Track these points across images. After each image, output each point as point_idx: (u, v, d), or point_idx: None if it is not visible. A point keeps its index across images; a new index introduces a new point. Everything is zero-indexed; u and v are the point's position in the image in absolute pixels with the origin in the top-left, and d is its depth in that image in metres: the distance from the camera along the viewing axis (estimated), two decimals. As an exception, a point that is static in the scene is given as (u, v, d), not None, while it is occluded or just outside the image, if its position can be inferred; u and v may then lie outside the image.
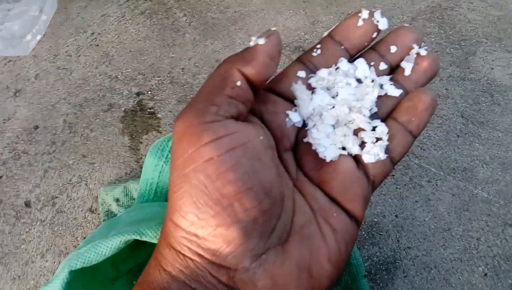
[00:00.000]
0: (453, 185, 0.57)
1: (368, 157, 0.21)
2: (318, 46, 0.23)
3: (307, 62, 0.23)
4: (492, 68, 0.66)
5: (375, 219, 0.56)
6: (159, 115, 0.66)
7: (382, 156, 0.21)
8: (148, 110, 0.66)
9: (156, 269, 0.19)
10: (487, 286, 0.51)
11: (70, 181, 0.62)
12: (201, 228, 0.18)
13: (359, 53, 0.24)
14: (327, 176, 0.22)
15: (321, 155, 0.22)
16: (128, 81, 0.69)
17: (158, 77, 0.69)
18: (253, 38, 0.20)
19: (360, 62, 0.23)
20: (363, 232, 0.55)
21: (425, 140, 0.61)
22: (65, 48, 0.72)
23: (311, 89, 0.22)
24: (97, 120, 0.66)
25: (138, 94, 0.68)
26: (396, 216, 0.56)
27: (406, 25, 0.23)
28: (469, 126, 0.62)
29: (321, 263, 0.19)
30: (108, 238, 0.33)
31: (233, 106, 0.19)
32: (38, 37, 0.65)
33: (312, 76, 0.22)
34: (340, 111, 0.22)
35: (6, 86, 0.69)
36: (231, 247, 0.18)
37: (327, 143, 0.21)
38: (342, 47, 0.23)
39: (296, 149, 0.22)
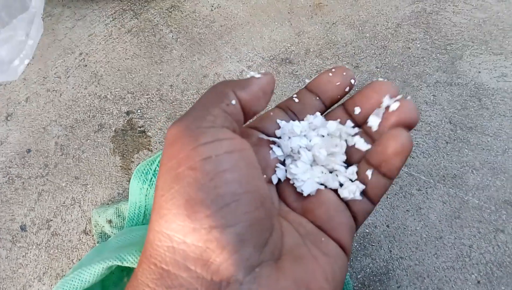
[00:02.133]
0: (444, 192, 0.57)
1: (344, 193, 0.22)
2: (295, 96, 0.25)
3: (286, 109, 0.25)
4: (479, 72, 0.66)
5: (367, 230, 0.56)
6: (149, 133, 0.66)
7: (358, 196, 0.22)
8: (138, 129, 0.67)
9: None
10: (481, 294, 0.51)
11: (64, 203, 0.63)
12: (192, 232, 0.16)
13: (332, 108, 0.25)
14: (311, 205, 0.22)
15: (298, 190, 0.22)
16: (117, 100, 0.69)
17: (147, 95, 0.69)
18: (250, 73, 0.21)
19: (331, 123, 0.24)
20: (355, 244, 0.55)
21: (413, 148, 0.61)
22: (54, 70, 0.73)
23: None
24: (88, 141, 0.66)
25: (127, 113, 0.68)
26: (388, 226, 0.56)
27: (381, 79, 0.23)
28: (458, 131, 0.62)
29: (320, 282, 0.18)
30: (91, 265, 0.33)
31: (228, 120, 0.19)
32: (26, 62, 0.66)
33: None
34: (317, 154, 0.23)
35: (-3, 111, 0.70)
36: (224, 254, 0.16)
37: (304, 178, 0.22)
38: (317, 98, 0.24)
39: (277, 186, 0.23)
